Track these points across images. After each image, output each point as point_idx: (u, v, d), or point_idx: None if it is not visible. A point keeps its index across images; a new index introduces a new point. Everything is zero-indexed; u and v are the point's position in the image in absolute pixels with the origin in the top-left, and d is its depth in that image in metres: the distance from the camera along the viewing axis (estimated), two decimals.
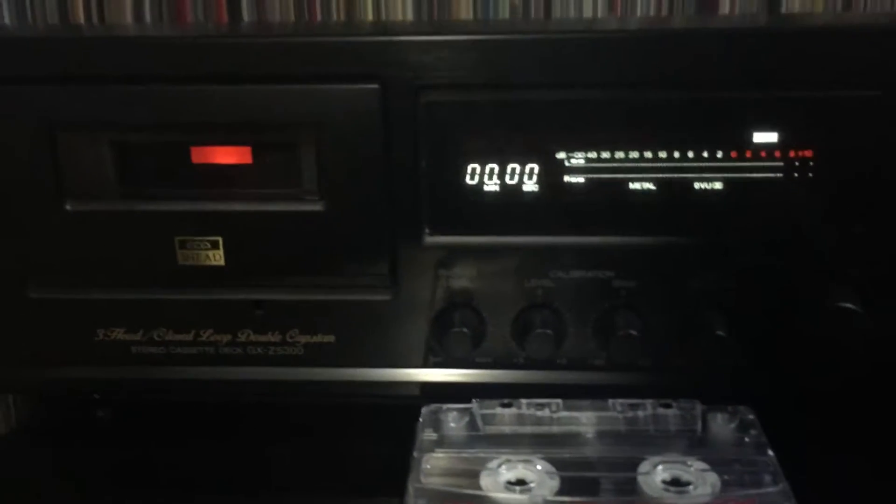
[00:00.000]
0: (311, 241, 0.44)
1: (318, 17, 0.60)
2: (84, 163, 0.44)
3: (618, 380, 0.46)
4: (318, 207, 0.44)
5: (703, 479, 0.39)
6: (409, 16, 0.60)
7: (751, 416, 0.43)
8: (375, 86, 0.42)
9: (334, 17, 0.60)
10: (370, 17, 0.59)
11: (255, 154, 0.44)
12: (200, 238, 0.44)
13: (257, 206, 0.44)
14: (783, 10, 0.58)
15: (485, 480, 0.40)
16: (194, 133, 0.44)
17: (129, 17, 0.60)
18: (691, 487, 0.39)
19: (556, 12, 0.59)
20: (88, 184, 0.44)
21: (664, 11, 0.59)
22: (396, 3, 0.59)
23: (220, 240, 0.44)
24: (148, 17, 0.59)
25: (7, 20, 0.59)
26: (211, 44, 0.43)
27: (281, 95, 0.42)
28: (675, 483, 0.39)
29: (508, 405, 0.44)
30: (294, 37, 0.42)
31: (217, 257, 0.44)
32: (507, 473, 0.40)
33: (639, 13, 0.59)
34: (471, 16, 0.60)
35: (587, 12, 0.59)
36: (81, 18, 0.60)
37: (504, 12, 0.59)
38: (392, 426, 0.45)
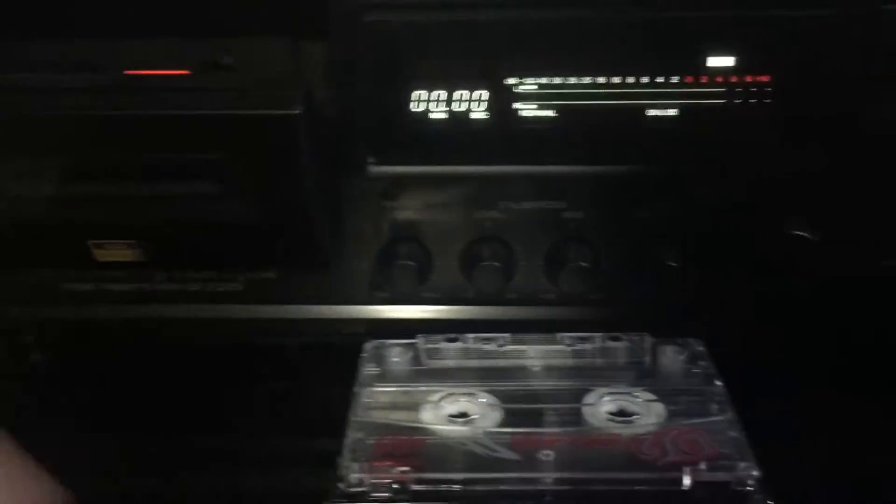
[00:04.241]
0: None
1: None
2: None
3: (569, 314, 0.45)
4: None
5: (648, 409, 0.39)
6: None
7: (700, 348, 0.42)
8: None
9: None
10: None
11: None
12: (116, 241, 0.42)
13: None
14: None
15: (425, 413, 0.39)
16: None
17: None
18: (637, 417, 0.38)
19: None
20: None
21: None
22: None
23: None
24: None
25: None
26: None
27: None
28: (621, 414, 0.39)
29: (454, 340, 0.43)
30: None
31: (137, 255, 0.42)
32: (449, 407, 0.39)
33: None
34: None
35: None
36: None
37: None
38: (340, 365, 0.44)
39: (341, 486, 0.35)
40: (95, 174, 0.41)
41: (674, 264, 0.42)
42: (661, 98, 0.42)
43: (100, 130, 0.39)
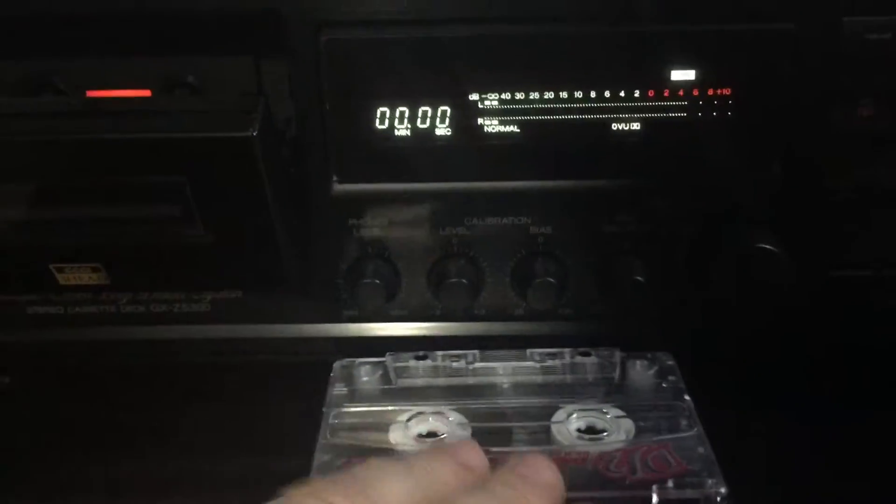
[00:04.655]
0: None
1: None
2: None
3: (538, 329, 0.45)
4: None
5: (618, 425, 0.38)
6: None
7: (670, 363, 0.42)
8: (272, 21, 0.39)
9: None
10: None
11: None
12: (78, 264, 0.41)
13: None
14: None
15: (394, 434, 0.38)
16: None
17: None
18: (605, 434, 0.38)
19: None
20: None
21: None
22: None
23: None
24: None
25: None
26: None
27: None
28: (590, 431, 0.38)
29: (423, 357, 0.42)
30: None
31: (100, 278, 0.41)
32: (417, 426, 0.39)
33: None
34: None
35: None
36: None
37: None
38: (308, 385, 0.43)
39: None
40: (56, 198, 0.40)
41: (641, 279, 0.42)
42: (625, 112, 0.42)
43: (61, 154, 0.38)
